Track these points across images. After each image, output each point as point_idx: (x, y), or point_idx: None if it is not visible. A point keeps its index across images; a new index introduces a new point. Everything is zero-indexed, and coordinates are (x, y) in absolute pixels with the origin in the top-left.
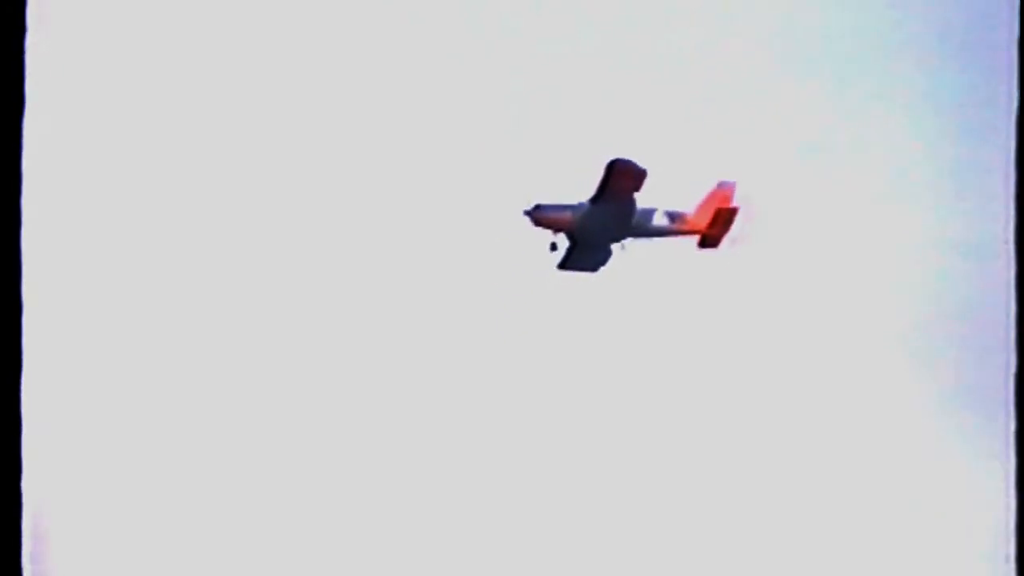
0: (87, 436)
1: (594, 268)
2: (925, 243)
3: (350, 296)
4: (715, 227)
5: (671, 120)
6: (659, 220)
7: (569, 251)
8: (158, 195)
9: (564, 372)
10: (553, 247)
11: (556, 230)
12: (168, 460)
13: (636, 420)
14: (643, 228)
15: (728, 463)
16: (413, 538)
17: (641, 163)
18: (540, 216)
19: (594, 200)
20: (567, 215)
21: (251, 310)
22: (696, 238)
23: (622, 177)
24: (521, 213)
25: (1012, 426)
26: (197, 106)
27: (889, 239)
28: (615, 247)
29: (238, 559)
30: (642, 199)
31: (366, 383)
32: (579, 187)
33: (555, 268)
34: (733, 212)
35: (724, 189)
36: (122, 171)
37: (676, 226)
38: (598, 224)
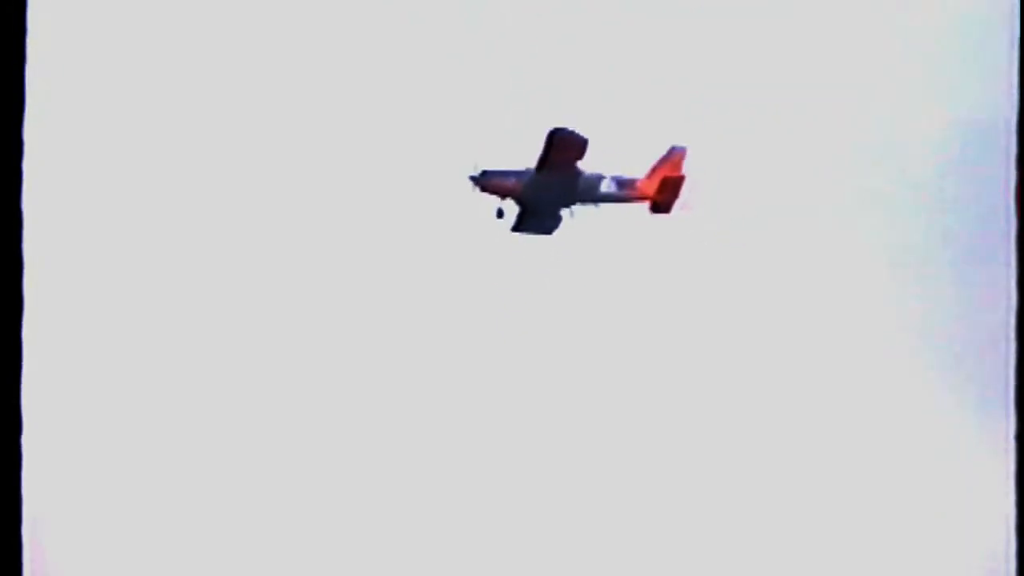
0: (87, 436)
1: (548, 231)
2: (925, 243)
3: (319, 278)
4: (663, 194)
5: (646, 85)
6: (607, 187)
7: (520, 215)
8: (158, 195)
9: (522, 339)
10: (500, 213)
11: (502, 196)
12: (168, 460)
13: (597, 387)
14: (591, 194)
15: (716, 456)
16: (398, 531)
17: (599, 126)
18: (486, 182)
19: (538, 168)
20: (512, 181)
21: (250, 309)
22: (647, 204)
23: (563, 147)
24: (467, 178)
25: (1012, 426)
26: (197, 106)
27: (888, 239)
28: (564, 213)
29: (238, 559)
30: (598, 164)
31: (333, 352)
32: (528, 153)
33: (508, 231)
34: (680, 180)
35: (674, 155)
36: (122, 171)
37: (625, 192)
38: (544, 191)
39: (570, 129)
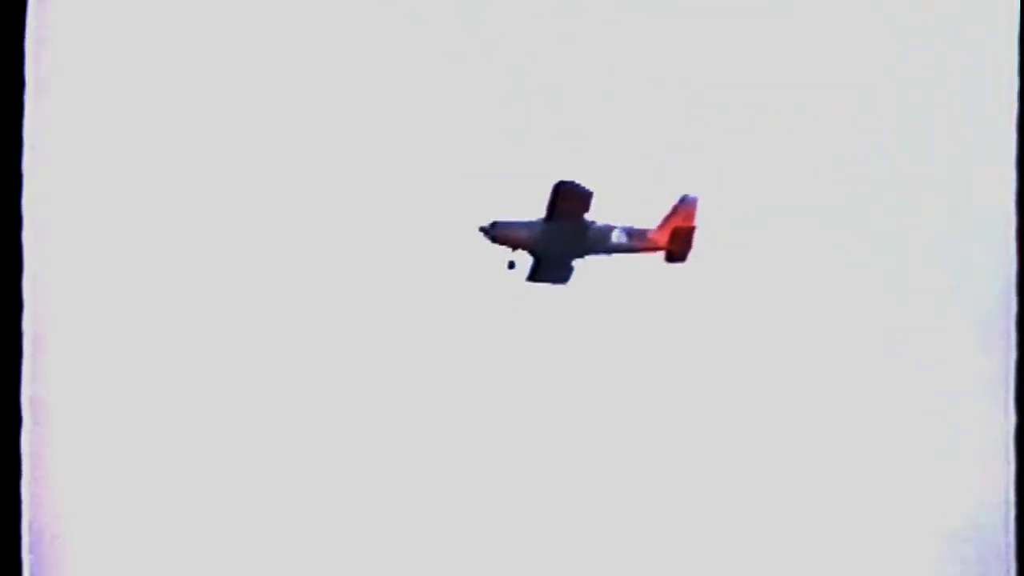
0: (87, 435)
1: (563, 280)
2: (925, 242)
3: (319, 304)
4: (674, 244)
5: (648, 131)
6: (617, 237)
7: (534, 266)
8: (158, 195)
9: (535, 383)
10: (511, 265)
11: (513, 247)
12: (168, 460)
13: (614, 428)
14: (602, 245)
15: (722, 465)
16: (402, 537)
17: (611, 177)
18: (497, 233)
19: (547, 219)
20: (523, 232)
21: (251, 309)
22: (662, 254)
23: (568, 199)
24: (477, 230)
25: (1012, 426)
26: (197, 106)
27: (887, 239)
28: (577, 263)
29: (238, 559)
30: (611, 214)
31: (349, 395)
32: (539, 204)
33: (524, 280)
34: (691, 230)
35: (686, 205)
36: (122, 171)
37: (635, 243)
38: (553, 242)
39: (575, 182)
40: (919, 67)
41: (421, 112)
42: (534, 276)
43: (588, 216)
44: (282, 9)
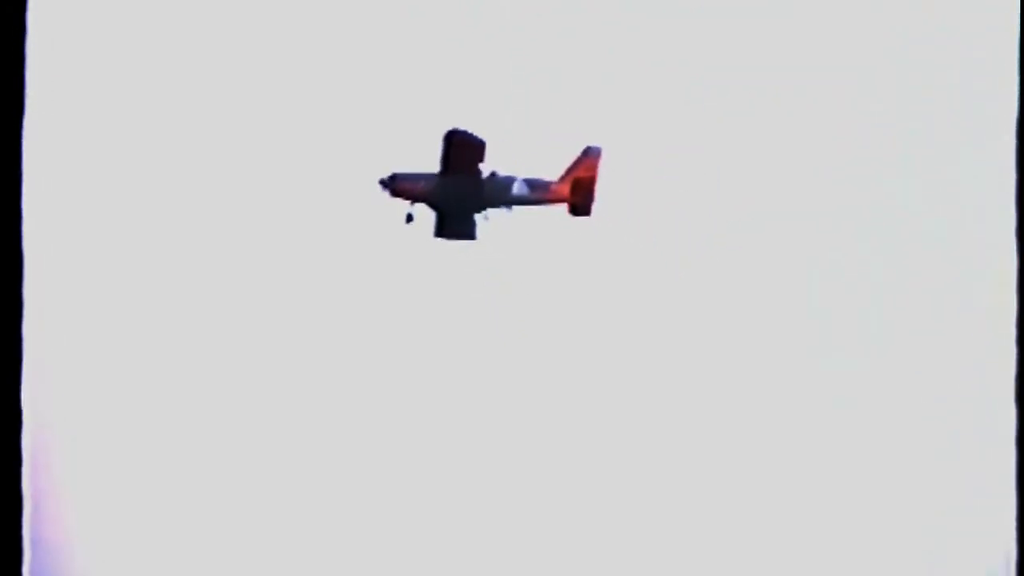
0: (87, 436)
1: (470, 236)
2: (924, 242)
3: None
4: (576, 195)
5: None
6: (519, 189)
7: (438, 220)
8: (159, 195)
9: (449, 343)
10: (409, 218)
11: (412, 200)
12: (169, 461)
13: (528, 389)
14: (503, 198)
15: (713, 456)
16: (399, 535)
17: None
18: (396, 186)
19: (441, 171)
20: (421, 184)
21: (251, 310)
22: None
23: (460, 149)
24: (377, 182)
25: (1012, 426)
26: (198, 106)
27: (887, 239)
28: (478, 217)
29: (238, 560)
30: (527, 163)
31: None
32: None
33: (432, 237)
34: (591, 180)
35: (589, 156)
36: (123, 171)
37: (538, 195)
38: (452, 194)
39: (466, 130)
40: (919, 66)
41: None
42: (439, 232)
43: (489, 168)
44: (277, 8)
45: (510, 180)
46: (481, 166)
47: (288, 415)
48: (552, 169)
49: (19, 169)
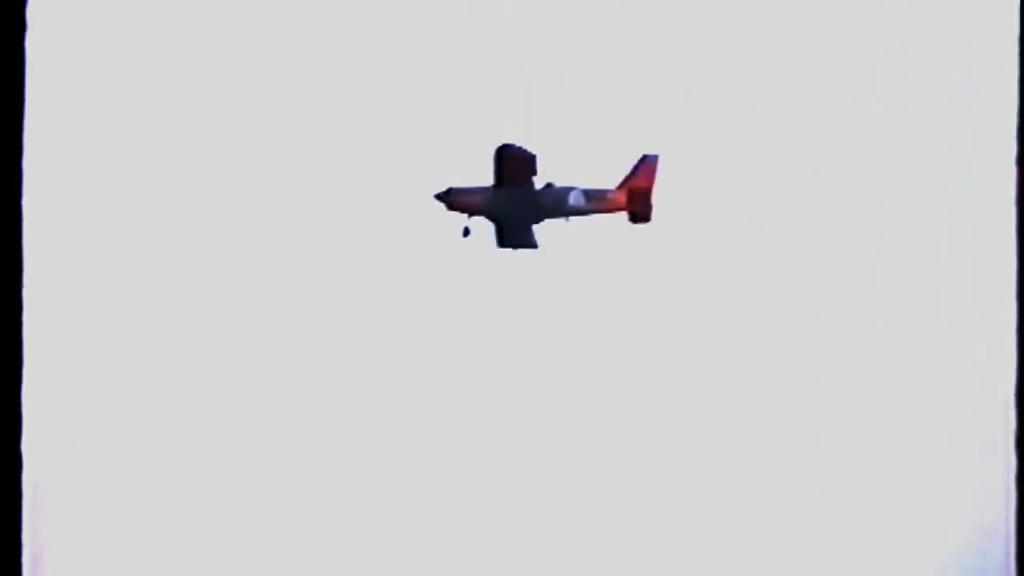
0: (87, 437)
1: (532, 244)
2: (923, 243)
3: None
4: (633, 204)
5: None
6: (576, 199)
7: (498, 232)
8: (159, 195)
9: (506, 354)
10: (466, 231)
11: (469, 214)
12: (169, 462)
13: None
14: (560, 208)
15: (717, 461)
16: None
17: (577, 136)
18: (452, 200)
19: (496, 185)
20: (477, 198)
21: (252, 310)
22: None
23: (512, 163)
24: (432, 197)
25: (1012, 426)
26: (197, 107)
27: (886, 239)
28: (537, 228)
29: (239, 561)
30: (584, 173)
31: (336, 384)
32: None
33: (495, 247)
34: (647, 188)
35: (646, 165)
36: (122, 172)
37: (595, 205)
38: (508, 206)
39: (516, 145)
40: (918, 65)
41: (364, 80)
42: (501, 243)
43: (546, 180)
44: (275, 7)
45: (567, 191)
46: (535, 178)
47: (322, 425)
48: (609, 179)
49: (19, 169)
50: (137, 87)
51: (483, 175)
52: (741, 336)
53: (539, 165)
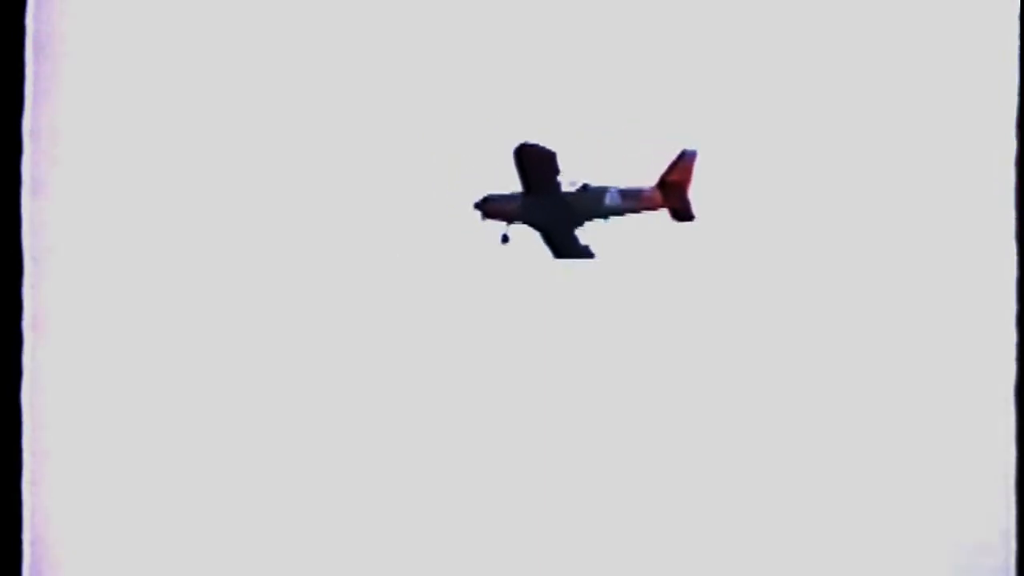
0: (88, 438)
1: (588, 253)
2: (923, 243)
3: (340, 299)
4: (670, 200)
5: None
6: (612, 199)
7: (546, 240)
8: (159, 195)
9: (565, 362)
10: (504, 239)
11: (508, 221)
12: (171, 463)
13: (643, 409)
14: (597, 209)
15: (726, 461)
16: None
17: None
18: (488, 207)
19: (525, 189)
20: (515, 205)
21: (253, 313)
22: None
23: (533, 162)
24: (472, 207)
25: (1012, 426)
26: (198, 107)
27: (886, 238)
28: (580, 232)
29: (239, 560)
30: (625, 173)
31: (365, 389)
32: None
33: (552, 259)
34: (682, 183)
35: (684, 160)
36: (123, 171)
37: (632, 203)
38: (543, 211)
39: (534, 143)
40: (918, 64)
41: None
42: (557, 253)
43: (570, 179)
44: (282, 10)
45: (602, 191)
46: (560, 178)
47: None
48: (647, 178)
49: (19, 169)
50: (137, 86)
51: (496, 179)
52: (740, 336)
53: (562, 163)
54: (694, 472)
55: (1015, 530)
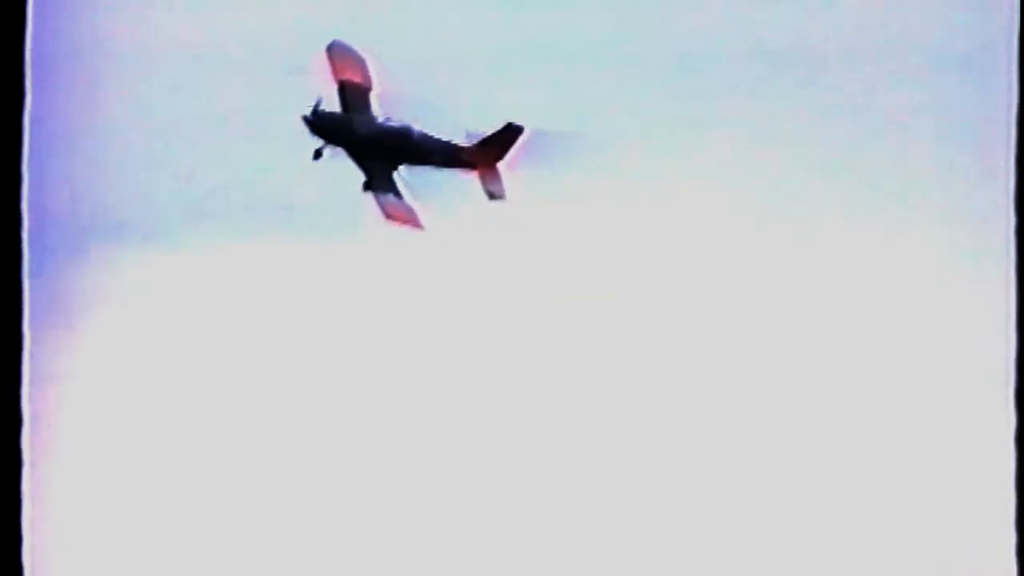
0: (88, 439)
1: (397, 193)
2: (923, 242)
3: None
4: (481, 166)
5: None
6: (421, 140)
7: (363, 168)
8: (160, 195)
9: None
10: (317, 154)
11: (331, 140)
12: (170, 465)
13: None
14: (404, 147)
15: (726, 461)
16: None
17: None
18: (317, 123)
19: (343, 107)
20: (341, 123)
21: (254, 316)
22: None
23: (342, 64)
24: (300, 119)
25: (1012, 426)
26: (197, 108)
27: (886, 238)
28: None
29: (240, 560)
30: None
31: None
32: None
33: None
34: (495, 154)
35: (509, 133)
36: (123, 171)
37: (441, 156)
38: (369, 141)
39: (343, 42)
40: (918, 63)
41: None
42: (367, 186)
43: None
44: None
45: (407, 129)
46: (373, 102)
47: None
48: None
49: (19, 169)
50: (138, 85)
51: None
52: (739, 335)
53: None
54: (694, 472)
55: (1015, 530)
